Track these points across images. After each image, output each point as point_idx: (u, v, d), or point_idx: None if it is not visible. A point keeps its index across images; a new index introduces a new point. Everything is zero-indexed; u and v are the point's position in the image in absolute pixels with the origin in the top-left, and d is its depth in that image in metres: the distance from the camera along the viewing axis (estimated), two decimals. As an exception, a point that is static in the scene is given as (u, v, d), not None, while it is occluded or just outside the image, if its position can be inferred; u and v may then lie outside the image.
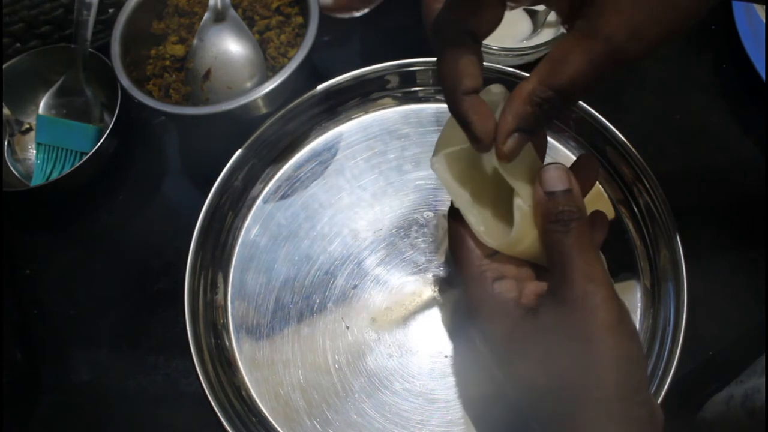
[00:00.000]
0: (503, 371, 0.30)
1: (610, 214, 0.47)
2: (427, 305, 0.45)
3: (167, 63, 0.50)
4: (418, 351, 0.44)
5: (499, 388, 0.31)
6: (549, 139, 0.50)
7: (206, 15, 0.48)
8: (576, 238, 0.29)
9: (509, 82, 0.49)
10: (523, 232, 0.30)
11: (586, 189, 0.32)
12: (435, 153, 0.33)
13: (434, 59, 0.50)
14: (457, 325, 0.44)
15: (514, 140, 0.28)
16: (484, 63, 0.49)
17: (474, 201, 0.31)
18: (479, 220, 0.31)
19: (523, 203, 0.30)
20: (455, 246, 0.32)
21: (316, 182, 0.50)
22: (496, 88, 0.32)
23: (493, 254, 0.32)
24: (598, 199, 0.48)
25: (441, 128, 0.51)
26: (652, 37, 0.25)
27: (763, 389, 0.42)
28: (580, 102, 0.48)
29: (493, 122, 0.28)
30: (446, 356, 0.44)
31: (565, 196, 0.29)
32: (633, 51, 0.25)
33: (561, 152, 0.50)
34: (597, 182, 0.48)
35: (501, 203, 0.32)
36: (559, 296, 0.28)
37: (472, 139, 0.29)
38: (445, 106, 0.51)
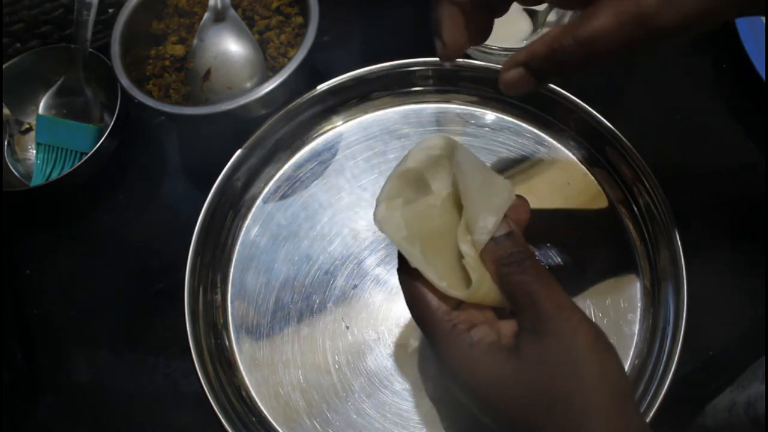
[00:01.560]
0: (495, 415, 0.30)
1: (602, 203, 0.47)
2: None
3: (167, 63, 0.50)
4: (418, 351, 0.44)
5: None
6: (550, 139, 0.50)
7: (206, 15, 0.48)
8: (533, 273, 0.29)
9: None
10: (480, 276, 0.30)
11: (520, 224, 0.33)
12: (380, 212, 0.31)
13: (434, 59, 0.50)
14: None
15: (518, 73, 0.28)
16: (484, 63, 0.49)
17: (427, 256, 0.31)
18: (438, 276, 0.30)
19: (468, 248, 0.30)
20: (417, 307, 0.31)
21: (316, 182, 0.50)
22: (437, 140, 0.32)
23: (456, 307, 0.31)
24: (598, 198, 0.48)
25: (441, 129, 0.52)
26: (685, 10, 0.25)
27: (765, 395, 0.42)
28: (580, 102, 0.48)
29: (463, 36, 0.29)
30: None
31: (508, 239, 0.30)
32: (662, 21, 0.25)
33: (561, 152, 0.50)
34: (596, 182, 0.48)
35: (449, 252, 0.31)
36: (538, 330, 0.29)
37: (439, 45, 0.29)
38: (444, 105, 0.52)
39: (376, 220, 0.31)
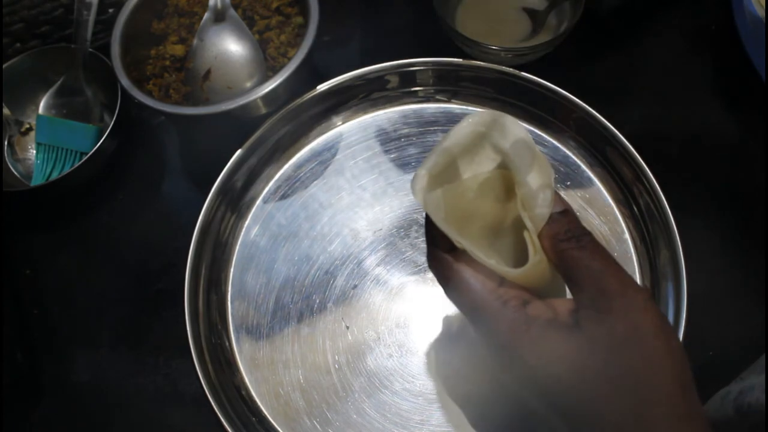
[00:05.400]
0: (556, 397, 0.28)
1: (602, 203, 0.47)
2: (427, 305, 0.45)
3: (167, 63, 0.50)
4: (418, 351, 0.44)
5: (536, 411, 0.30)
6: (550, 139, 0.50)
7: (206, 15, 0.48)
8: (594, 249, 0.29)
9: (509, 82, 0.49)
10: (541, 253, 0.29)
11: None
12: (420, 185, 0.30)
13: (434, 59, 0.50)
14: (458, 325, 0.44)
15: None
16: (484, 63, 0.49)
17: (469, 235, 0.30)
18: (486, 254, 0.29)
19: (530, 224, 0.30)
20: (460, 287, 0.29)
21: (316, 182, 0.50)
22: (485, 116, 0.31)
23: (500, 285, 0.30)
24: (598, 198, 0.48)
25: (441, 128, 0.51)
26: None
27: (759, 387, 0.42)
28: (580, 102, 0.48)
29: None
30: (446, 356, 0.44)
31: (564, 216, 0.30)
32: None
33: (560, 152, 0.50)
34: (596, 182, 0.48)
35: (482, 237, 0.31)
36: (601, 307, 0.27)
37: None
38: (444, 105, 0.52)
39: (417, 192, 0.30)
